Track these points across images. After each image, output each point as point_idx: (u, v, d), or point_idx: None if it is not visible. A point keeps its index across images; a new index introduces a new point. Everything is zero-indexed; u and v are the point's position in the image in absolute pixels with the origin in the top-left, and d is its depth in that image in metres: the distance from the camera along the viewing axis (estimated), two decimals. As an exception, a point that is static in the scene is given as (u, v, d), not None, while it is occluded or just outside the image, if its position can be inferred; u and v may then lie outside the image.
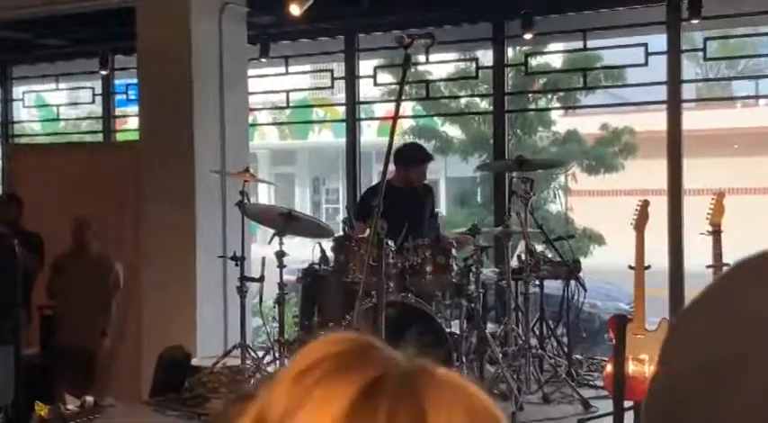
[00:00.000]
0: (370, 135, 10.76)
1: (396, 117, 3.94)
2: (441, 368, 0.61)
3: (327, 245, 5.57)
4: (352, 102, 7.57)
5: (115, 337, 6.42)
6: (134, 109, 9.17)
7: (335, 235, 5.53)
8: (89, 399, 5.01)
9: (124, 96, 8.98)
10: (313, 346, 0.59)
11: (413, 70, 7.97)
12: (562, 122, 12.55)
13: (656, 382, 0.58)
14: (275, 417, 0.57)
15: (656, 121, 7.18)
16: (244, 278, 5.63)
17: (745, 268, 0.55)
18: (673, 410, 0.55)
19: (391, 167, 5.47)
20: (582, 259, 6.44)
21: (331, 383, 0.57)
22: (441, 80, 9.62)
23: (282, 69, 7.91)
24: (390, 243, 4.94)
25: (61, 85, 9.39)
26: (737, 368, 0.52)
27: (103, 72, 8.43)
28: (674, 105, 6.57)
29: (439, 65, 8.54)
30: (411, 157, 5.98)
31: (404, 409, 0.56)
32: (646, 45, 6.79)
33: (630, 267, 5.21)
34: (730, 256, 4.99)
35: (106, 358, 6.28)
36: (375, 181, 15.05)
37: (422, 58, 7.20)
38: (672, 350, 0.58)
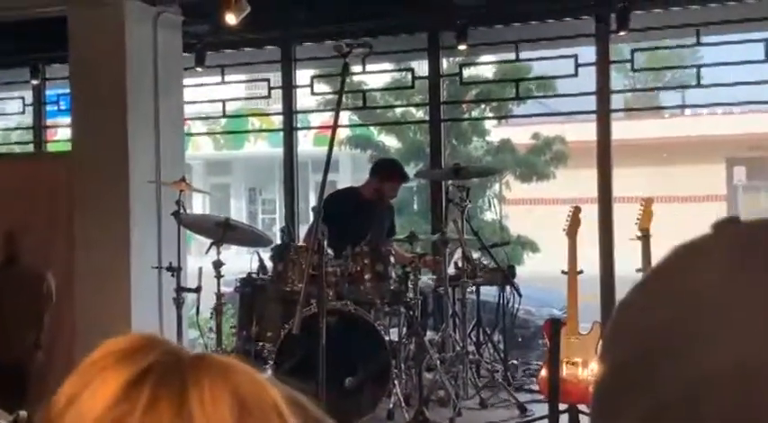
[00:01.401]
0: (307, 145, 10.77)
1: (335, 125, 3.98)
2: (221, 357, 0.65)
3: (266, 254, 5.57)
4: (289, 111, 7.58)
5: (48, 350, 6.30)
6: (65, 120, 9.03)
7: (274, 244, 5.53)
8: (22, 413, 4.91)
9: (55, 107, 8.82)
10: (105, 343, 0.65)
11: (349, 80, 8.01)
12: (496, 132, 12.76)
13: (599, 374, 0.58)
14: (60, 406, 0.62)
15: (587, 131, 7.35)
16: (180, 289, 5.58)
17: (683, 247, 0.57)
18: (617, 393, 0.56)
19: (363, 176, 5.63)
20: (517, 266, 6.56)
21: (107, 372, 0.62)
22: (377, 90, 9.69)
23: (218, 79, 7.89)
24: (329, 251, 4.97)
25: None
26: (680, 343, 0.53)
27: (35, 81, 8.28)
28: (604, 115, 6.74)
29: (375, 75, 8.61)
30: (390, 173, 6.15)
31: (166, 389, 0.61)
32: (576, 56, 6.96)
33: (563, 272, 5.34)
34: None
35: (39, 371, 6.16)
36: (312, 190, 15.08)
37: (358, 68, 7.26)
38: (612, 334, 0.58)
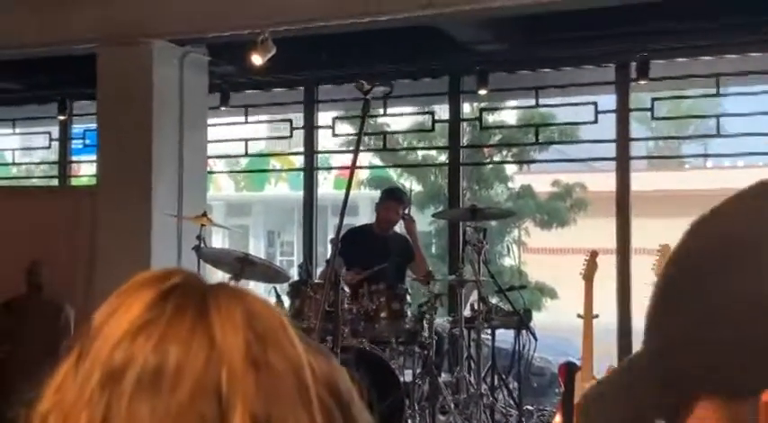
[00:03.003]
0: (327, 188, 10.84)
1: (354, 163, 4.03)
2: (238, 286, 0.72)
3: (283, 291, 5.61)
4: (311, 151, 7.67)
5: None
6: (89, 157, 9.17)
7: (291, 280, 5.57)
8: None
9: (80, 143, 8.96)
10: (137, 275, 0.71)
11: (371, 122, 8.12)
12: (517, 179, 12.81)
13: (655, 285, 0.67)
14: (96, 326, 0.68)
15: (606, 180, 7.38)
16: (198, 323, 5.60)
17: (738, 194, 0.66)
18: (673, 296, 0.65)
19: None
20: (535, 312, 6.55)
21: (137, 292, 0.68)
22: (398, 132, 9.79)
23: (242, 118, 8.00)
24: (346, 288, 5.00)
25: (17, 130, 9.36)
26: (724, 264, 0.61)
27: (62, 117, 8.44)
28: (623, 162, 6.77)
29: (397, 117, 8.71)
30: (385, 195, 6.30)
31: (190, 301, 0.67)
32: (596, 104, 7.01)
33: (579, 316, 5.32)
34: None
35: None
36: (330, 234, 15.12)
37: (380, 110, 7.36)
38: (672, 254, 0.69)
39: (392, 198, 6.40)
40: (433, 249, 11.49)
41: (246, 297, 0.69)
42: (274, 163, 12.34)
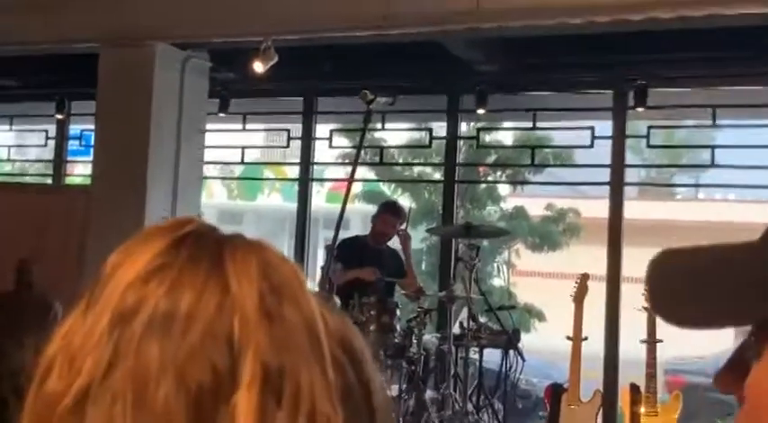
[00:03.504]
0: (319, 201, 10.85)
1: (353, 173, 4.04)
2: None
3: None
4: (307, 161, 7.68)
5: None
6: (83, 158, 9.15)
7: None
8: None
9: (76, 143, 8.95)
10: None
11: (368, 136, 8.15)
12: (510, 201, 12.83)
13: None
14: (107, 272, 0.67)
15: (599, 207, 7.41)
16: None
17: None
18: None
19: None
20: (524, 334, 6.56)
21: (149, 240, 0.67)
22: (395, 147, 9.82)
23: (240, 126, 8.01)
24: (336, 299, 5.00)
25: (13, 127, 9.34)
26: None
27: (59, 116, 8.43)
28: (617, 187, 6.81)
29: (394, 133, 8.74)
30: (382, 208, 6.34)
31: (205, 247, 0.66)
32: (592, 128, 7.06)
33: (568, 338, 5.34)
34: (662, 332, 5.17)
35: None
36: (321, 247, 15.09)
37: (378, 124, 7.38)
38: None
39: (390, 212, 6.41)
40: (423, 266, 11.49)
41: (262, 248, 0.68)
42: (268, 173, 12.33)
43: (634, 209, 8.51)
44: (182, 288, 0.64)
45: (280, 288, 0.65)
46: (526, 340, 6.54)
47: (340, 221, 3.94)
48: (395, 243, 6.45)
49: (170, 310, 0.63)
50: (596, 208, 8.31)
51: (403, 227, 6.31)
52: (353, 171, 4.34)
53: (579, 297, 5.33)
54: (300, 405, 0.62)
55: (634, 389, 5.04)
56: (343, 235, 7.13)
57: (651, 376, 5.05)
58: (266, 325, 0.63)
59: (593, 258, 7.44)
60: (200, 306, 0.63)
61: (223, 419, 0.61)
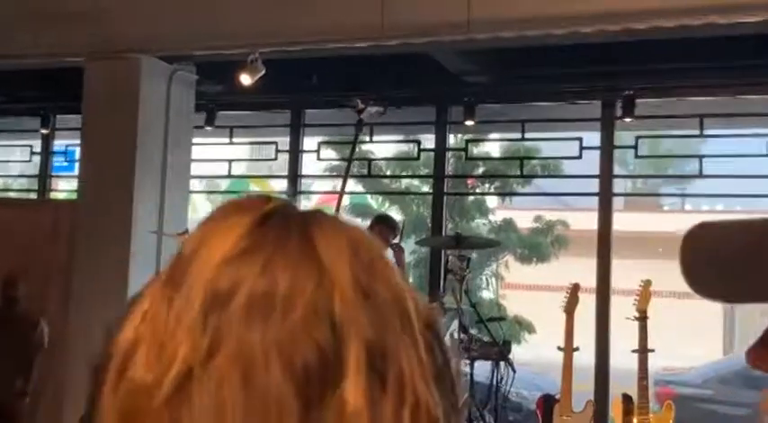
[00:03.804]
0: (307, 214, 10.79)
1: (344, 185, 4.01)
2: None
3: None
4: (295, 175, 7.65)
5: (35, 397, 6.21)
6: (68, 173, 9.08)
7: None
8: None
9: (61, 158, 8.88)
10: (221, 204, 0.69)
11: (357, 149, 8.13)
12: (499, 214, 12.83)
13: None
14: (187, 253, 0.65)
15: (587, 219, 7.40)
16: (174, 341, 5.53)
17: None
18: None
19: None
20: (513, 346, 6.53)
21: (232, 217, 0.65)
22: (383, 159, 9.80)
23: (226, 139, 7.97)
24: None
25: (-1, 142, 9.28)
26: None
27: (44, 131, 8.37)
28: (606, 197, 6.81)
29: (382, 145, 8.72)
30: (374, 220, 6.30)
31: (293, 223, 0.65)
32: (581, 139, 7.07)
33: (560, 348, 5.31)
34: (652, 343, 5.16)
35: (25, 418, 6.07)
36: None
37: (366, 137, 7.35)
38: None
39: (384, 224, 6.35)
40: (411, 279, 11.47)
41: (348, 225, 0.67)
42: (254, 187, 12.28)
43: (620, 220, 8.52)
44: (276, 267, 0.62)
45: (370, 265, 0.64)
46: (516, 352, 6.52)
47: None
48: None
49: (268, 290, 0.61)
50: (584, 220, 8.31)
51: (396, 240, 6.27)
52: (344, 183, 4.32)
53: (570, 308, 5.31)
54: (405, 392, 0.60)
55: (626, 399, 5.01)
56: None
57: (644, 386, 5.02)
58: (363, 303, 0.62)
59: (581, 270, 7.44)
60: (299, 285, 0.61)
61: (330, 402, 0.59)
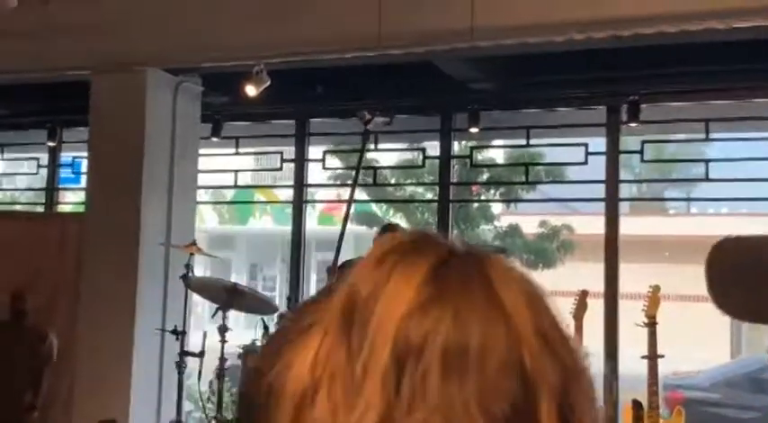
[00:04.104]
0: (311, 223, 10.82)
1: (351, 196, 4.02)
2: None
3: (270, 321, 5.56)
4: (300, 184, 7.65)
5: (45, 411, 6.22)
6: (74, 185, 9.10)
7: (279, 311, 5.52)
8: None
9: (68, 170, 8.90)
10: (383, 241, 0.68)
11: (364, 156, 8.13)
12: (504, 220, 12.84)
13: None
14: (364, 295, 0.65)
15: (593, 224, 7.39)
16: (183, 353, 5.55)
17: None
18: None
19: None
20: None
21: (410, 260, 0.66)
22: (387, 167, 9.81)
23: (232, 149, 7.99)
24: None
25: (4, 156, 9.29)
26: None
27: (51, 143, 8.39)
28: (612, 203, 6.80)
29: (386, 153, 8.73)
30: (382, 229, 6.27)
31: (474, 275, 0.66)
32: (586, 145, 7.06)
33: (569, 356, 5.31)
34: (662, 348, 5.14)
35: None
36: (313, 270, 15.05)
37: (371, 145, 7.36)
38: None
39: (394, 232, 6.37)
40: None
41: (517, 267, 0.69)
42: (259, 196, 12.31)
43: (626, 224, 8.52)
44: (466, 319, 0.62)
45: (544, 309, 0.66)
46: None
47: (340, 244, 3.91)
48: None
49: (461, 342, 0.62)
50: (590, 224, 8.30)
51: None
52: (352, 192, 4.32)
53: (579, 314, 5.30)
54: None
55: (636, 405, 5.00)
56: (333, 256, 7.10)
57: (654, 392, 5.01)
58: (546, 350, 0.63)
59: (588, 274, 7.43)
60: (490, 337, 0.62)
61: None
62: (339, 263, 4.15)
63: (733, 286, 0.69)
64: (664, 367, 5.20)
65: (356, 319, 0.64)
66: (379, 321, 0.63)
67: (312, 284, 13.46)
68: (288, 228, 7.73)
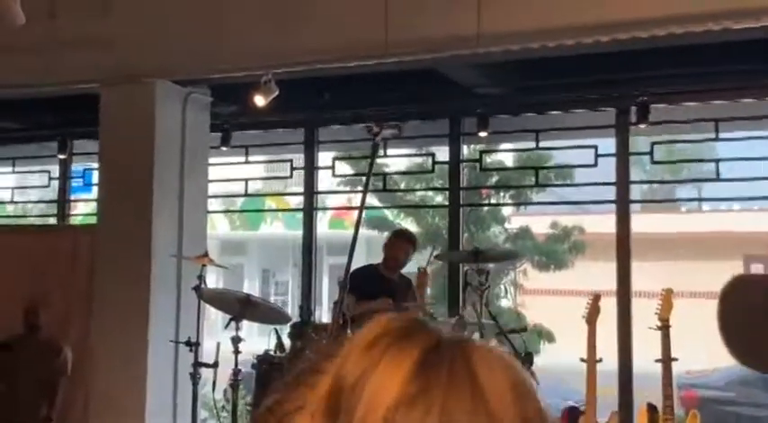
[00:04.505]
0: (322, 228, 10.83)
1: (362, 205, 4.03)
2: (479, 340, 0.72)
3: (283, 331, 5.57)
4: (311, 191, 7.67)
5: (61, 422, 6.25)
6: (85, 195, 9.15)
7: (292, 321, 5.54)
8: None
9: (79, 181, 8.94)
10: (371, 325, 0.68)
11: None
12: (515, 221, 12.82)
13: None
14: (351, 381, 0.65)
15: (604, 223, 7.38)
16: (197, 364, 5.57)
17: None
18: None
19: (377, 258, 5.87)
20: (534, 353, 6.52)
21: (398, 349, 0.66)
22: (397, 173, 9.82)
23: (242, 158, 8.02)
24: (350, 331, 4.96)
25: (16, 169, 9.35)
26: None
27: (62, 156, 8.44)
28: (623, 205, 6.79)
29: (396, 158, 8.74)
30: (394, 235, 6.30)
31: (460, 366, 0.66)
32: (596, 147, 7.05)
33: (582, 360, 5.30)
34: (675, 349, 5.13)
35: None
36: (326, 274, 15.08)
37: (381, 151, 7.37)
38: None
39: (403, 237, 6.38)
40: (428, 290, 11.48)
41: (504, 358, 0.69)
42: (271, 203, 12.33)
43: (638, 222, 8.49)
44: (451, 413, 0.63)
45: (525, 395, 0.66)
46: (536, 359, 6.51)
47: (351, 255, 3.92)
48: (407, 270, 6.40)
49: None
50: (601, 223, 8.28)
51: (424, 265, 6.27)
52: (363, 201, 4.32)
53: (592, 318, 5.30)
54: None
55: (651, 408, 4.99)
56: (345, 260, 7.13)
57: (668, 396, 5.00)
58: None
59: (600, 274, 7.41)
60: None
61: None
62: (350, 273, 4.15)
63: (746, 334, 0.69)
64: (678, 366, 5.18)
65: (342, 406, 0.65)
66: (365, 411, 0.63)
67: (325, 289, 13.47)
68: (299, 232, 7.75)
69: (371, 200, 11.65)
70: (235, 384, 5.46)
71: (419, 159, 8.98)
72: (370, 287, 5.91)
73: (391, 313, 0.72)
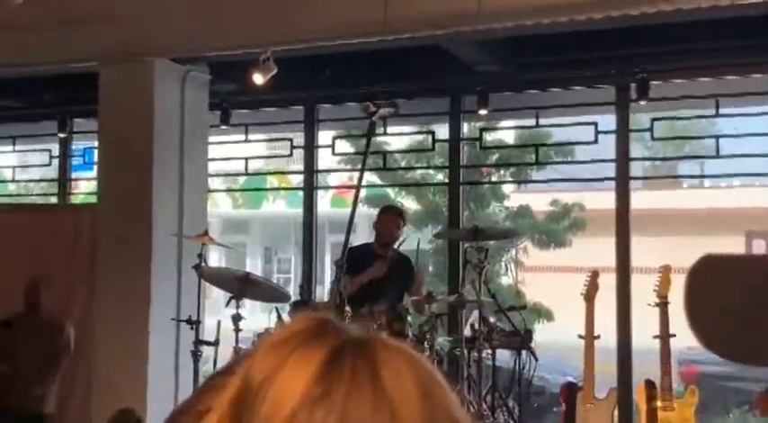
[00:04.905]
0: (324, 206, 10.85)
1: (359, 184, 4.04)
2: (389, 337, 0.72)
3: (283, 309, 5.60)
4: (311, 170, 7.67)
5: (63, 402, 6.29)
6: (87, 173, 9.16)
7: (292, 300, 5.57)
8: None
9: (80, 160, 8.95)
10: (283, 325, 0.69)
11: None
12: (515, 198, 12.83)
13: None
14: (257, 381, 0.66)
15: (605, 199, 7.38)
16: (198, 342, 5.60)
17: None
18: None
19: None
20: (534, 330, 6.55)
21: (304, 349, 0.67)
22: (398, 152, 9.82)
23: (242, 137, 8.01)
24: (347, 309, 4.99)
25: (17, 147, 9.36)
26: None
27: (62, 135, 8.44)
28: (623, 182, 6.78)
29: (396, 137, 8.74)
30: (381, 211, 6.36)
31: (363, 366, 0.66)
32: (596, 124, 7.04)
33: (580, 337, 5.33)
34: (675, 325, 5.15)
35: (54, 421, 6.15)
36: (328, 251, 15.10)
37: (380, 129, 7.37)
38: None
39: (390, 212, 6.48)
40: (431, 268, 11.51)
41: (414, 359, 0.69)
42: (273, 181, 12.32)
43: (639, 198, 8.48)
44: (351, 417, 0.63)
45: (433, 396, 0.66)
46: (536, 335, 6.55)
47: (348, 234, 3.93)
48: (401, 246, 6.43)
49: None
50: (601, 199, 8.28)
51: (405, 228, 6.36)
52: (360, 180, 4.33)
53: (590, 295, 5.32)
54: None
55: (650, 385, 5.03)
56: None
57: (667, 372, 5.04)
58: None
59: (599, 250, 7.43)
60: None
61: None
62: (346, 252, 4.17)
63: (713, 318, 0.68)
64: (679, 342, 5.21)
65: (247, 407, 0.65)
66: (269, 412, 0.64)
67: (327, 267, 13.50)
68: (301, 210, 7.77)
69: (372, 178, 11.66)
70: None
71: (419, 137, 8.97)
72: (366, 264, 5.96)
73: (307, 313, 0.73)
